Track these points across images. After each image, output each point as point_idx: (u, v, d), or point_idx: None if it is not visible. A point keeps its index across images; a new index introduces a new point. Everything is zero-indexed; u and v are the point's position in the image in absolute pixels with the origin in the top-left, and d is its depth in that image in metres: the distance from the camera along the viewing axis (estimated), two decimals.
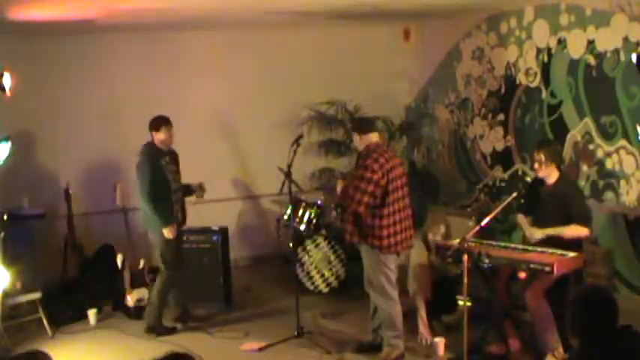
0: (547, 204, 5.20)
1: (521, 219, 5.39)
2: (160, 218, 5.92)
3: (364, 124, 5.39)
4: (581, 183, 6.27)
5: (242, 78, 7.79)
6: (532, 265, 4.77)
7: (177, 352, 2.75)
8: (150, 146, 6.05)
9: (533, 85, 6.85)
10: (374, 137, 5.25)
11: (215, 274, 6.74)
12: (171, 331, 6.13)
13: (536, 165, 5.23)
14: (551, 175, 5.18)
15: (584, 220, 5.07)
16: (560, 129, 6.54)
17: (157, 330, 6.07)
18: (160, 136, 6.04)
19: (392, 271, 5.23)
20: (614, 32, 5.94)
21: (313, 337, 5.71)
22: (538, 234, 5.11)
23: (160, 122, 6.04)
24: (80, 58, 7.22)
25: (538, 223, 5.26)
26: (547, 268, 4.67)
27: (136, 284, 6.53)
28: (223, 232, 6.88)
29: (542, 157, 5.15)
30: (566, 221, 5.03)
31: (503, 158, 7.30)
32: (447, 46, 7.92)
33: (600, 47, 6.09)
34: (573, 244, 4.99)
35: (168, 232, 5.92)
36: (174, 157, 6.21)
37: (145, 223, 6.12)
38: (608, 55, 6.02)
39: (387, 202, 5.08)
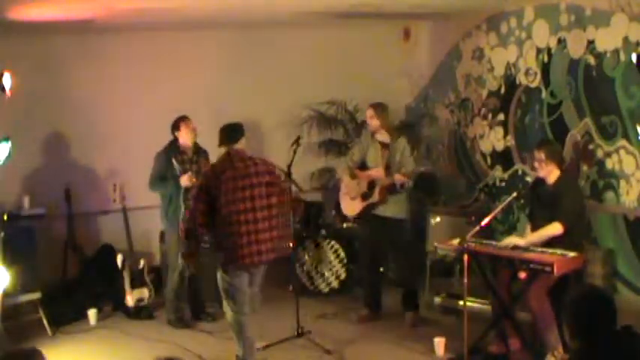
0: (546, 204, 5.19)
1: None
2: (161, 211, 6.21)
3: (230, 136, 5.18)
4: (581, 183, 6.26)
5: (242, 78, 7.78)
6: (532, 265, 4.77)
7: (171, 358, 2.74)
8: (169, 143, 6.25)
9: (533, 85, 6.84)
10: (239, 145, 5.15)
11: (215, 274, 6.73)
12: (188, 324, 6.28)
13: (536, 163, 5.22)
14: (551, 174, 5.17)
15: (564, 217, 5.00)
16: (560, 129, 6.53)
17: (174, 324, 6.23)
18: (180, 135, 6.21)
19: (232, 286, 5.09)
20: (614, 32, 5.94)
21: (313, 337, 5.71)
22: (515, 241, 5.10)
23: (178, 120, 6.21)
24: (80, 58, 7.21)
25: (537, 223, 5.26)
26: (547, 268, 4.67)
27: (136, 284, 6.53)
28: None
29: (543, 155, 5.14)
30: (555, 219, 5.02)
31: (503, 158, 7.30)
32: (447, 46, 7.92)
33: (600, 47, 6.09)
34: (574, 244, 4.99)
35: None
36: (199, 156, 6.25)
37: None
38: (608, 55, 6.02)
39: (227, 211, 4.93)
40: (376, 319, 6.22)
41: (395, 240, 6.10)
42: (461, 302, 6.06)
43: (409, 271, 6.19)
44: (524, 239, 5.12)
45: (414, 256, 6.32)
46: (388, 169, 5.99)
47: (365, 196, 6.11)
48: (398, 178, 5.89)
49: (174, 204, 6.14)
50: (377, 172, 6.05)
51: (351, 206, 6.25)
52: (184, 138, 6.19)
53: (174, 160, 6.13)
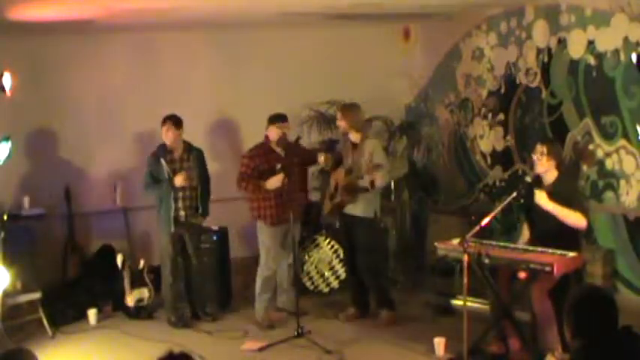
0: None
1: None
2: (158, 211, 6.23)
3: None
4: (581, 183, 6.26)
5: (242, 78, 7.78)
6: (532, 265, 4.77)
7: (174, 352, 2.75)
8: (160, 144, 6.25)
9: (533, 85, 6.84)
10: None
11: (215, 274, 6.75)
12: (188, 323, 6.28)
13: (536, 157, 5.17)
14: (549, 172, 5.16)
15: (584, 213, 5.04)
16: (560, 129, 6.53)
17: (174, 324, 6.24)
18: (163, 135, 6.18)
19: None
20: (614, 32, 5.94)
21: (313, 337, 5.71)
22: (544, 202, 5.01)
23: (163, 121, 6.17)
24: (80, 58, 7.22)
25: (534, 224, 5.27)
26: (547, 268, 4.67)
27: (136, 284, 6.53)
28: (223, 232, 6.89)
29: (545, 149, 5.12)
30: (562, 223, 5.00)
31: (503, 158, 7.29)
32: (447, 46, 7.92)
33: (600, 47, 6.09)
34: (572, 243, 4.99)
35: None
36: (189, 155, 6.25)
37: None
38: (608, 55, 6.02)
39: None
40: (364, 317, 6.23)
41: (361, 238, 6.11)
42: (457, 302, 6.11)
43: (374, 271, 6.20)
44: (551, 204, 5.00)
45: (379, 255, 6.34)
46: (351, 170, 6.01)
47: (331, 196, 6.20)
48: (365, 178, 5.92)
49: (164, 205, 6.16)
50: (337, 173, 6.12)
51: (325, 205, 6.36)
52: (166, 138, 6.20)
53: (162, 161, 6.14)
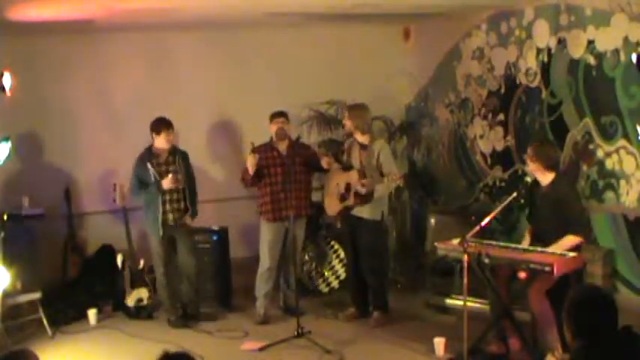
0: (541, 207, 5.19)
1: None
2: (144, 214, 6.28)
3: None
4: (581, 183, 6.26)
5: (242, 78, 7.78)
6: (532, 265, 4.77)
7: (170, 352, 2.74)
8: (146, 149, 6.24)
9: (533, 85, 6.84)
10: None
11: (215, 274, 6.75)
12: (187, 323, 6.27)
13: (525, 156, 5.26)
14: (538, 174, 5.17)
15: (579, 227, 5.03)
16: (560, 129, 6.53)
17: (174, 324, 6.24)
18: (159, 139, 6.19)
19: None
20: (614, 32, 5.94)
21: (313, 337, 5.71)
22: None
23: (157, 126, 6.16)
24: (80, 58, 7.23)
25: (534, 225, 5.26)
26: (547, 268, 4.67)
27: (136, 284, 6.53)
28: (223, 232, 6.89)
29: (531, 152, 5.19)
30: (561, 225, 5.01)
31: (503, 158, 7.30)
32: (447, 46, 7.92)
33: (600, 47, 6.09)
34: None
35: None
36: (174, 158, 6.24)
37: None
38: (608, 55, 6.02)
39: None
40: (364, 317, 6.24)
41: (365, 240, 6.10)
42: (452, 301, 6.12)
43: (378, 272, 6.20)
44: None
45: (382, 257, 6.34)
46: (363, 172, 5.97)
47: (342, 198, 6.15)
48: (359, 186, 5.89)
49: (152, 208, 6.16)
50: (350, 175, 6.07)
51: (331, 206, 6.30)
52: (162, 143, 6.20)
53: (149, 165, 6.14)
